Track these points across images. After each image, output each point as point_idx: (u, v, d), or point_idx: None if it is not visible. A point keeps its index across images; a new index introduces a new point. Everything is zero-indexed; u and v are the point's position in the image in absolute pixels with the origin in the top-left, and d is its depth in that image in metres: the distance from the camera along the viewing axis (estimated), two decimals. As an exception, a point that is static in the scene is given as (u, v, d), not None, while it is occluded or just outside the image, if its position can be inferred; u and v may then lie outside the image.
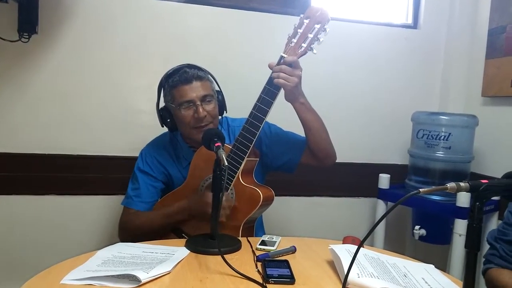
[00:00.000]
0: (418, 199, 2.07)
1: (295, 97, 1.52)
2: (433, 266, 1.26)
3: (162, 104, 1.69)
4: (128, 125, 2.09)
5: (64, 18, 1.98)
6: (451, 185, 0.88)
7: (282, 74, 1.44)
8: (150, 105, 1.76)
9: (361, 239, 0.96)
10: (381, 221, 0.92)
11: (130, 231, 1.62)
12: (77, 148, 2.05)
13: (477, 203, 0.88)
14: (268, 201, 1.56)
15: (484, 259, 1.36)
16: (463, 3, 2.38)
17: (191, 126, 1.60)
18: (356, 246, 0.94)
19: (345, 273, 0.96)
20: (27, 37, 1.90)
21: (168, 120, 1.66)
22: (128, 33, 2.06)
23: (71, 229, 2.07)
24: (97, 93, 2.05)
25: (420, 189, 0.89)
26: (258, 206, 1.49)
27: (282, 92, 1.49)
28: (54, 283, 1.04)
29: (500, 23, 2.12)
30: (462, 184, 0.88)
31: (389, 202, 2.25)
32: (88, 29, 2.02)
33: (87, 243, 2.03)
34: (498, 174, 0.92)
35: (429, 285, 1.12)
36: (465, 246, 0.90)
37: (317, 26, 1.45)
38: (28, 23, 1.88)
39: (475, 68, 2.29)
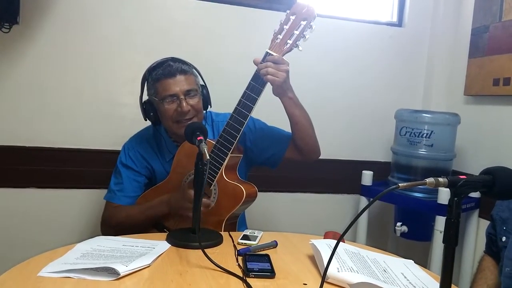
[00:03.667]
0: (400, 196, 2.10)
1: (284, 91, 1.52)
2: (413, 261, 1.28)
3: (145, 97, 1.67)
4: (110, 118, 2.08)
5: (46, 8, 1.95)
6: (430, 180, 0.89)
7: (270, 70, 1.43)
8: (132, 99, 1.74)
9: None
10: (360, 215, 0.92)
11: (112, 226, 1.61)
12: (58, 141, 2.02)
13: (455, 199, 0.89)
14: (251, 198, 1.56)
15: None
16: (447, 2, 2.40)
17: (174, 120, 1.58)
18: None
19: (325, 267, 0.97)
20: (8, 27, 1.86)
21: (152, 114, 1.65)
22: (111, 25, 2.04)
23: (52, 222, 2.05)
24: (79, 86, 2.03)
25: (400, 184, 0.90)
26: (241, 202, 1.48)
27: (269, 87, 1.49)
28: (31, 276, 1.03)
29: (483, 22, 2.15)
30: (440, 179, 0.89)
31: (371, 199, 2.26)
32: (71, 20, 1.99)
33: (68, 237, 2.01)
34: (479, 172, 0.93)
35: (408, 279, 1.13)
36: (443, 241, 0.90)
37: (303, 22, 1.45)
38: (9, 13, 1.84)
39: (458, 67, 2.32)
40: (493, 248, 1.53)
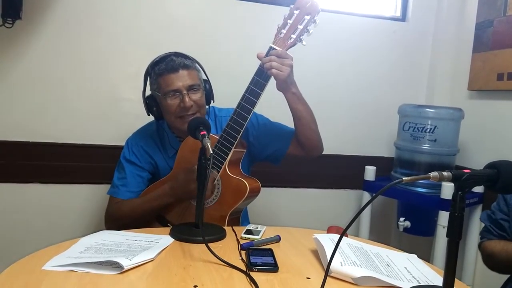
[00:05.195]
0: (403, 191, 2.09)
1: (287, 86, 1.52)
2: (416, 255, 1.28)
3: (148, 92, 1.67)
4: (113, 114, 2.08)
5: (49, 4, 1.95)
6: (433, 174, 0.89)
7: (274, 64, 1.43)
8: (135, 94, 1.74)
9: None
10: (364, 209, 0.93)
11: (117, 220, 1.62)
12: (62, 136, 2.03)
13: (459, 193, 0.89)
14: (254, 193, 1.56)
15: (480, 236, 1.54)
16: (452, -4, 2.39)
17: (177, 115, 1.58)
18: (340, 235, 0.95)
19: (328, 262, 0.97)
20: (10, 22, 1.87)
21: (154, 108, 1.65)
22: (114, 20, 2.04)
23: (55, 217, 2.06)
24: (81, 81, 2.03)
25: (404, 178, 0.90)
26: (244, 197, 1.49)
27: (272, 83, 1.48)
28: (35, 269, 1.03)
29: (487, 17, 2.14)
30: (444, 173, 0.89)
31: (374, 194, 2.26)
32: (73, 15, 1.99)
33: (72, 231, 2.01)
34: (482, 167, 0.93)
35: (411, 274, 1.13)
36: (447, 235, 0.90)
37: (307, 17, 1.45)
38: (12, 8, 1.85)
39: (462, 62, 2.31)
40: (507, 236, 1.45)
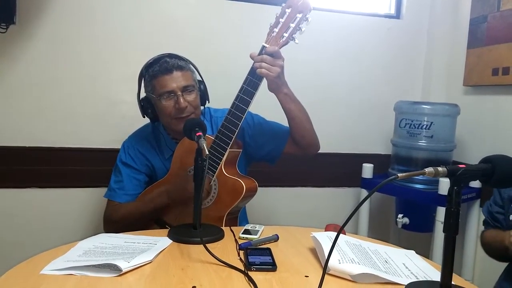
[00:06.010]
0: (401, 187, 2.10)
1: (278, 87, 1.51)
2: (414, 251, 1.28)
3: (143, 94, 1.67)
4: (109, 116, 2.08)
5: (43, 8, 1.95)
6: (429, 169, 0.89)
7: (264, 64, 1.44)
8: (132, 96, 1.74)
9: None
10: (360, 206, 0.93)
11: (114, 223, 1.62)
12: (58, 140, 2.03)
13: (455, 188, 0.89)
14: (251, 192, 1.56)
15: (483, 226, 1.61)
16: (445, -8, 2.40)
17: (172, 116, 1.58)
18: (338, 233, 0.95)
19: (326, 259, 0.97)
20: (4, 27, 1.86)
21: (149, 110, 1.65)
22: (109, 22, 2.04)
23: (53, 222, 2.06)
24: (77, 84, 2.03)
25: (399, 174, 0.90)
26: (241, 197, 1.49)
27: (265, 83, 1.49)
28: (33, 274, 1.03)
29: (481, 12, 2.14)
30: (439, 168, 0.89)
31: (369, 192, 2.25)
32: (68, 18, 1.99)
33: (70, 236, 1.99)
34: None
35: (409, 270, 1.13)
36: (443, 230, 0.91)
37: (299, 15, 1.45)
38: (6, 13, 1.84)
39: (457, 58, 2.31)
40: (502, 227, 1.49)
